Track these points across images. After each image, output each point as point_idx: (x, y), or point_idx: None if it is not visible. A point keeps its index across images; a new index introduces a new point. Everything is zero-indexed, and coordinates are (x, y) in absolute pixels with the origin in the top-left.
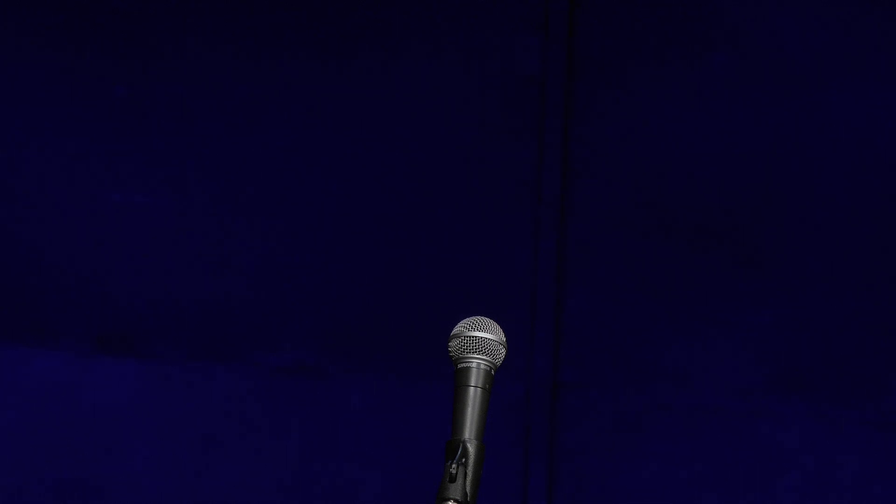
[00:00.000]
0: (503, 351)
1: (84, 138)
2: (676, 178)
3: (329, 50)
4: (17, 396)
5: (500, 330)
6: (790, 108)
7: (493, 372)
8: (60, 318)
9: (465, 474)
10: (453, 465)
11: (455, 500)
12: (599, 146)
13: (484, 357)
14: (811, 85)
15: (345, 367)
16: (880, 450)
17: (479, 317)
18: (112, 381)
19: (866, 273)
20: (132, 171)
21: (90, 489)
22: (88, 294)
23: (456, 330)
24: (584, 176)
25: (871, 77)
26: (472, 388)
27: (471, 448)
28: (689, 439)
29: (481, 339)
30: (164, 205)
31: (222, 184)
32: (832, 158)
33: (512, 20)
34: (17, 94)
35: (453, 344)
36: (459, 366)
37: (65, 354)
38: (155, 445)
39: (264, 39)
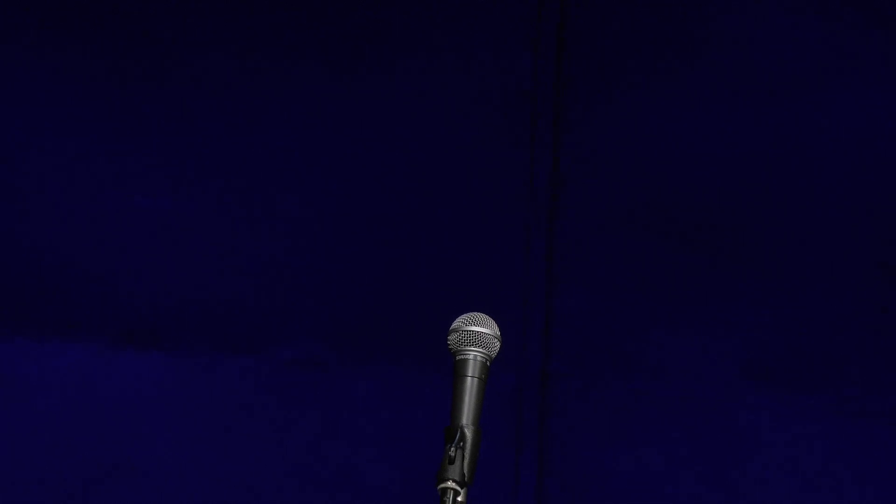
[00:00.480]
0: (498, 344)
1: (109, 147)
2: (658, 183)
3: (339, 65)
4: (50, 387)
5: (495, 324)
6: (769, 114)
7: (488, 363)
8: (88, 314)
9: (463, 457)
10: (452, 449)
11: (454, 480)
12: (586, 153)
13: (480, 350)
14: (797, 90)
15: (350, 359)
16: (840, 433)
17: (475, 312)
18: (136, 372)
19: (828, 276)
20: (155, 179)
21: (117, 471)
22: (114, 292)
23: (454, 325)
24: (572, 180)
25: (860, 82)
26: (469, 378)
27: (468, 433)
28: (669, 425)
29: (478, 332)
30: (185, 209)
31: (239, 190)
32: (809, 167)
33: (506, 38)
34: (47, 105)
35: (452, 338)
36: (458, 358)
37: (92, 348)
38: (176, 431)
39: (272, 50)
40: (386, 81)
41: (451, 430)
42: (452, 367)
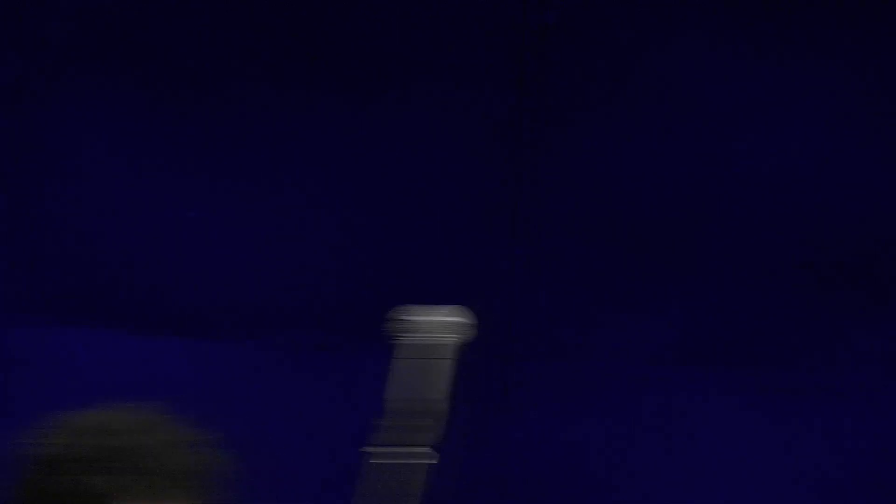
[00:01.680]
0: (472, 331)
1: (163, 172)
2: (614, 201)
3: (358, 98)
4: (112, 367)
5: (473, 316)
6: (697, 143)
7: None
8: (143, 308)
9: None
10: None
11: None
12: (560, 177)
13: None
14: (725, 119)
15: (360, 343)
16: (755, 405)
17: (455, 306)
18: (182, 355)
19: (747, 276)
20: (198, 197)
21: None
22: (165, 289)
23: None
24: (549, 200)
25: (783, 110)
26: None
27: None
28: (616, 399)
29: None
30: (222, 221)
31: (266, 206)
32: (729, 187)
33: (495, 81)
34: (121, 136)
35: None
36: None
37: (148, 336)
38: (217, 405)
39: (300, 87)
40: (397, 114)
41: None
42: None
